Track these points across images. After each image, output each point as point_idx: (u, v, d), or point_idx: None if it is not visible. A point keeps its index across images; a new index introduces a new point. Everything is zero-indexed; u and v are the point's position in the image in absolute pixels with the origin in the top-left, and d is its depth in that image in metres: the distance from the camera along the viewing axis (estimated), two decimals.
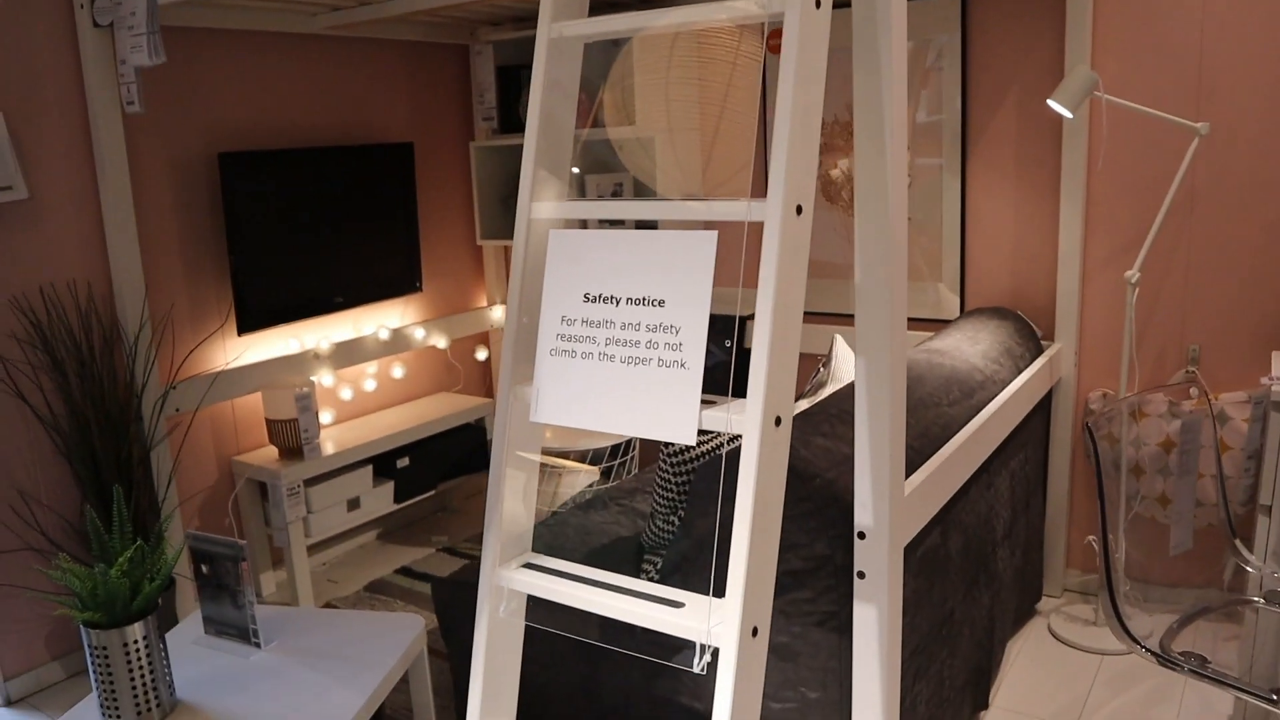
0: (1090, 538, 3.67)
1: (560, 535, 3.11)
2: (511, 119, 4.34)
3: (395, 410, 4.35)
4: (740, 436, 1.74)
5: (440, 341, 4.50)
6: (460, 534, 4.39)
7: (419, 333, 4.41)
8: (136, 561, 2.14)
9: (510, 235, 4.49)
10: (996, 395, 2.96)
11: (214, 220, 3.73)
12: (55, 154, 3.32)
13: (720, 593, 1.77)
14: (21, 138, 3.23)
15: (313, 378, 4.02)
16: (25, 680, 3.39)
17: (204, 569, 2.45)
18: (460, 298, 4.71)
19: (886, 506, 2.02)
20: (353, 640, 2.48)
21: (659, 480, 2.64)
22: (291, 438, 3.74)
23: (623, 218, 1.82)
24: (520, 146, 4.50)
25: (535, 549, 2.98)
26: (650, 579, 2.65)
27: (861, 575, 2.06)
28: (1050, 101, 3.06)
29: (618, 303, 1.77)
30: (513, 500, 1.97)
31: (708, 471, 2.36)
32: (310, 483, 3.78)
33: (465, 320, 4.66)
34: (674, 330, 1.72)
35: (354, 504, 3.92)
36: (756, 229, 1.65)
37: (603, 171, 4.29)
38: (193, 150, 3.66)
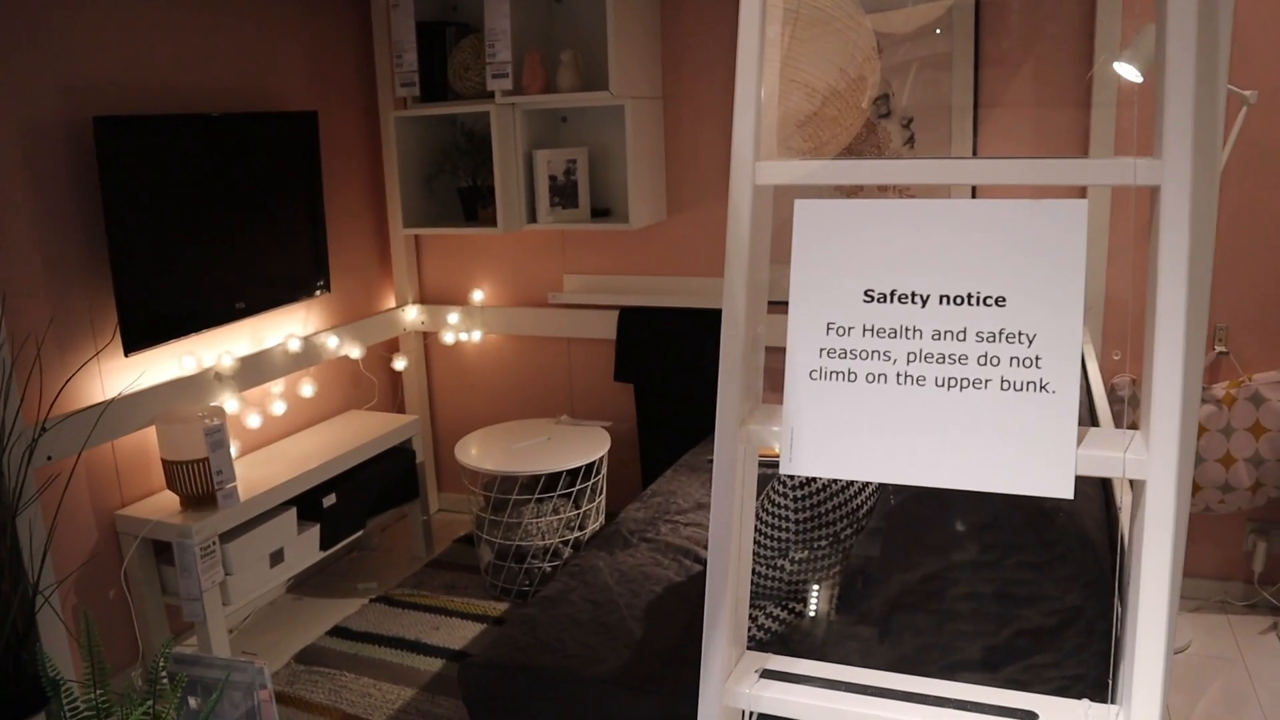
0: None
1: (593, 584, 2.54)
2: (437, 85, 3.65)
3: (308, 435, 3.60)
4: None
5: (354, 351, 3.77)
6: (390, 578, 3.69)
7: (332, 341, 3.66)
8: None
9: (438, 222, 3.81)
10: None
11: (84, 205, 2.89)
12: None
13: (1113, 698, 1.31)
14: None
15: (216, 403, 3.22)
16: None
17: (191, 702, 1.75)
18: (367, 299, 3.98)
19: None
20: None
21: (769, 514, 2.12)
22: (199, 483, 2.97)
23: (896, 182, 1.30)
24: (451, 117, 3.83)
25: (535, 599, 2.37)
26: (760, 636, 2.14)
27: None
28: (1118, 65, 2.74)
29: (924, 301, 1.26)
30: (743, 585, 1.42)
31: (1069, 521, 1.87)
32: (225, 537, 3.01)
33: (376, 324, 3.95)
34: (1025, 339, 1.22)
35: (277, 557, 3.18)
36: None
37: (553, 145, 3.69)
38: (54, 114, 2.81)
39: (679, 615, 2.39)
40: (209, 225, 3.11)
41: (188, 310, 3.06)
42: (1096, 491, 1.95)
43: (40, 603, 2.71)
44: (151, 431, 3.08)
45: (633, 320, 3.71)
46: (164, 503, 3.04)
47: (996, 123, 3.24)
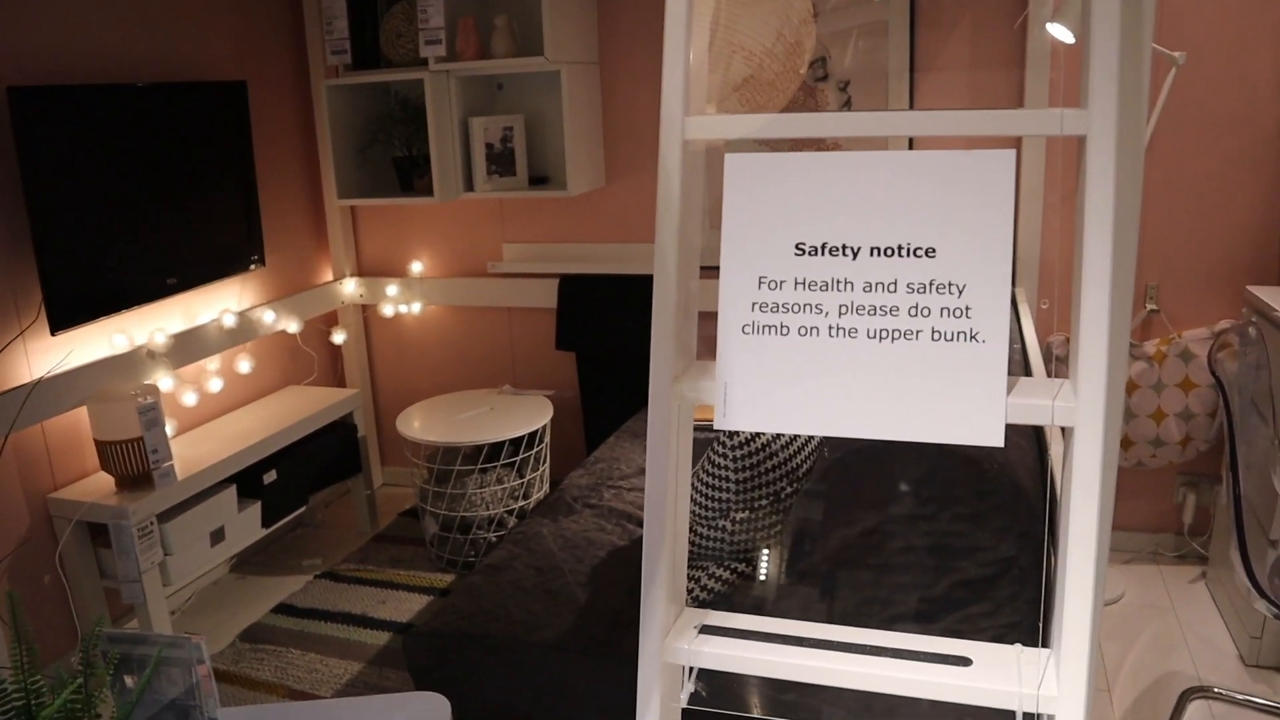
0: None
1: (537, 550, 2.53)
2: (369, 53, 3.58)
3: (246, 412, 3.54)
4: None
5: (292, 325, 3.71)
6: (334, 553, 3.66)
7: (268, 316, 3.60)
8: (71, 715, 1.42)
9: (373, 192, 3.75)
10: None
11: (1, 179, 2.80)
12: None
13: (1044, 642, 1.33)
14: None
15: (150, 381, 3.16)
16: None
17: (127, 681, 1.72)
18: (303, 272, 3.92)
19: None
20: None
21: (709, 474, 2.13)
22: (134, 462, 2.90)
23: (828, 136, 1.30)
24: (385, 85, 3.76)
25: (479, 567, 2.36)
26: (704, 597, 2.15)
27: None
28: (1050, 25, 2.77)
29: (855, 254, 1.26)
30: (680, 543, 1.42)
31: (1003, 471, 1.88)
32: (163, 517, 2.96)
33: (313, 298, 3.89)
34: (955, 290, 1.23)
35: (217, 535, 3.13)
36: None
37: (489, 113, 3.64)
38: None
39: (622, 579, 2.39)
40: (137, 199, 3.03)
41: (117, 287, 2.99)
42: (1030, 444, 1.99)
43: None
44: (83, 412, 3.01)
45: (573, 288, 3.69)
46: (98, 484, 2.98)
47: (932, 85, 3.26)
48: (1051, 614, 1.35)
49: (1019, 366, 2.38)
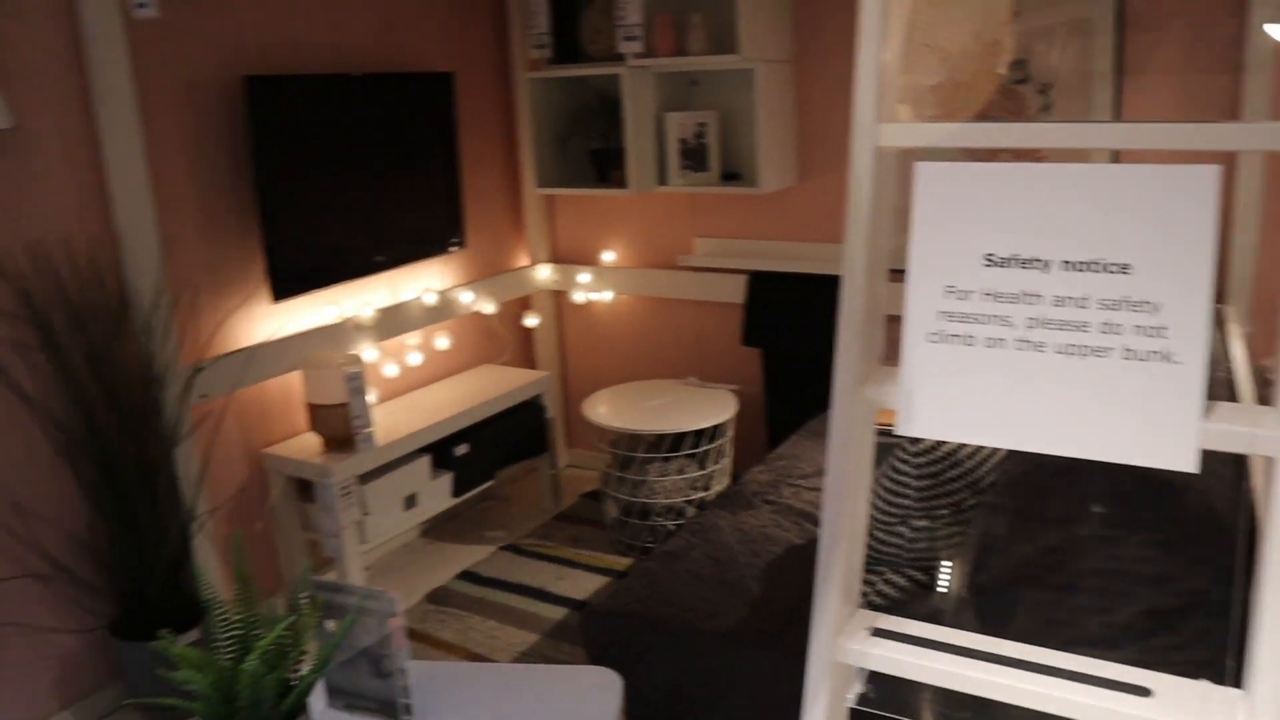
0: None
1: (715, 542, 2.57)
2: (569, 47, 3.70)
3: (442, 387, 3.74)
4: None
5: (488, 306, 3.88)
6: (518, 528, 3.81)
7: (466, 296, 3.78)
8: (281, 648, 1.55)
9: (570, 182, 3.88)
10: None
11: (235, 160, 3.05)
12: (36, 75, 2.61)
13: (1237, 682, 1.28)
14: None
15: (355, 351, 3.38)
16: None
17: (329, 625, 1.86)
18: (500, 256, 4.09)
19: None
20: (534, 711, 1.92)
21: (891, 480, 2.12)
22: (339, 426, 3.12)
23: (1024, 145, 1.27)
24: (583, 79, 3.88)
25: (657, 553, 2.40)
26: (879, 602, 2.14)
27: None
28: (1269, 27, 2.60)
29: (1047, 267, 1.24)
30: (856, 545, 1.43)
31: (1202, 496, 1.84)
32: (363, 479, 3.16)
33: (509, 281, 4.05)
34: (1151, 308, 1.19)
35: (410, 502, 3.32)
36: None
37: (684, 108, 3.70)
38: (208, 72, 2.97)
39: (798, 577, 2.40)
40: (351, 182, 3.24)
41: (331, 262, 3.21)
42: (1230, 472, 1.88)
43: (195, 529, 2.91)
44: (296, 375, 3.25)
45: (761, 285, 3.71)
46: (307, 444, 3.21)
47: (1141, 90, 3.10)
48: (1246, 654, 1.29)
49: (1224, 390, 2.25)
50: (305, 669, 1.74)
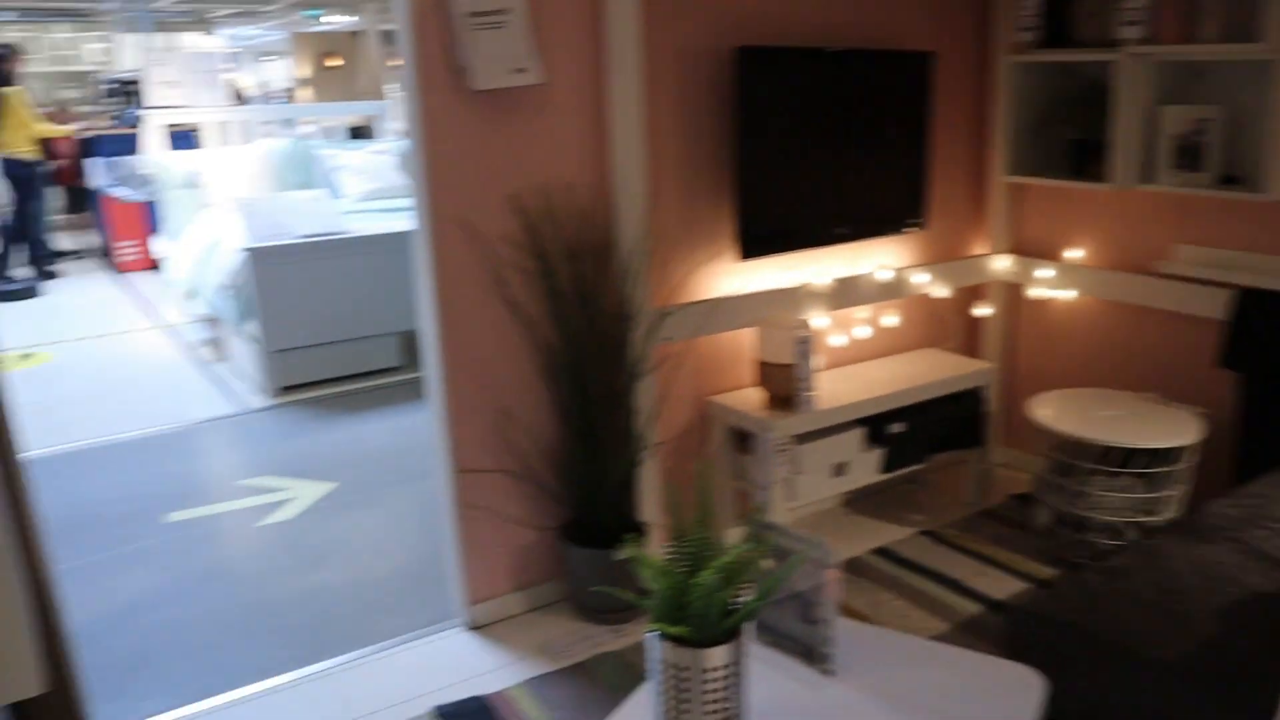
0: None
1: (1165, 569, 2.38)
2: (1059, 33, 3.52)
3: (885, 363, 3.76)
4: None
5: (941, 290, 3.83)
6: (939, 515, 3.76)
7: (920, 278, 3.76)
8: (733, 571, 1.66)
9: (1042, 172, 3.71)
10: None
11: (718, 125, 3.24)
12: (562, 37, 2.92)
13: None
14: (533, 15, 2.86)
15: (806, 317, 3.48)
16: (487, 608, 3.14)
17: (766, 564, 1.95)
18: (958, 241, 4.01)
19: None
20: (951, 690, 1.91)
21: None
22: (784, 385, 3.23)
23: None
24: (1070, 65, 3.68)
25: (1096, 567, 2.21)
26: None
27: None
28: None
29: None
30: None
31: None
32: (799, 439, 3.26)
33: (964, 268, 3.97)
34: None
35: (839, 469, 3.38)
36: None
37: (1182, 101, 3.40)
38: (702, 41, 3.16)
39: (1262, 626, 2.17)
40: (822, 153, 3.33)
41: (795, 228, 3.33)
42: None
43: (643, 458, 3.17)
44: (749, 331, 3.41)
45: (1253, 302, 3.33)
46: (749, 398, 3.37)
47: None
48: None
49: None
50: (744, 598, 1.84)
